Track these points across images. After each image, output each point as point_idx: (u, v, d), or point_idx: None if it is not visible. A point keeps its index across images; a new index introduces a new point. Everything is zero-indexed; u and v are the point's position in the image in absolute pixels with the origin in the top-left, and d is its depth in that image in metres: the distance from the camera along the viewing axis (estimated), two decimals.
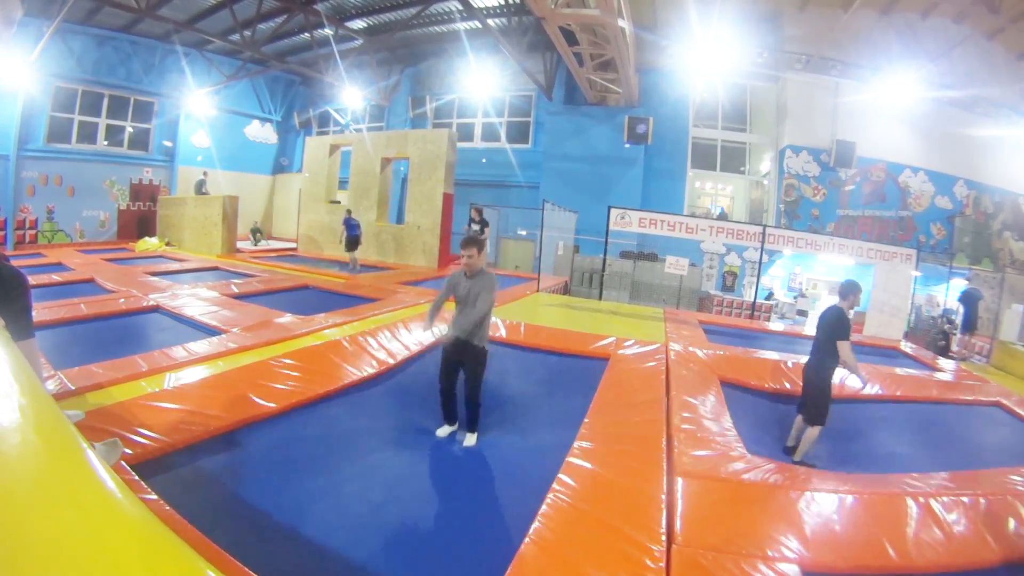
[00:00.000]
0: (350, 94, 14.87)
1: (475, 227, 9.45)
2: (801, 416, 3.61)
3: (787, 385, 4.70)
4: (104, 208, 13.74)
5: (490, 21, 11.55)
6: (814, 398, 3.51)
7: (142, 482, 2.11)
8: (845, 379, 4.10)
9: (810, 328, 9.72)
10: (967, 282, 9.54)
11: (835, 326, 3.48)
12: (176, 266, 9.28)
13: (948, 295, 9.86)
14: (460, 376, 3.36)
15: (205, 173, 13.72)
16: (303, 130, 18.02)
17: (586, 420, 3.31)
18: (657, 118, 13.06)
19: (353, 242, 9.88)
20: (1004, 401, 4.73)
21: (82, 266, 8.48)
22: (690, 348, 5.40)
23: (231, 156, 16.30)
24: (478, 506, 2.43)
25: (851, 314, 3.56)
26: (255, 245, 14.23)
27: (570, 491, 2.42)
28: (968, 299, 8.45)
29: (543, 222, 9.36)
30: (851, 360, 3.47)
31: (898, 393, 4.74)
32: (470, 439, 3.23)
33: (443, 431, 3.34)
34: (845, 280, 3.70)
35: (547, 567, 1.90)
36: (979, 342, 8.47)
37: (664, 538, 2.10)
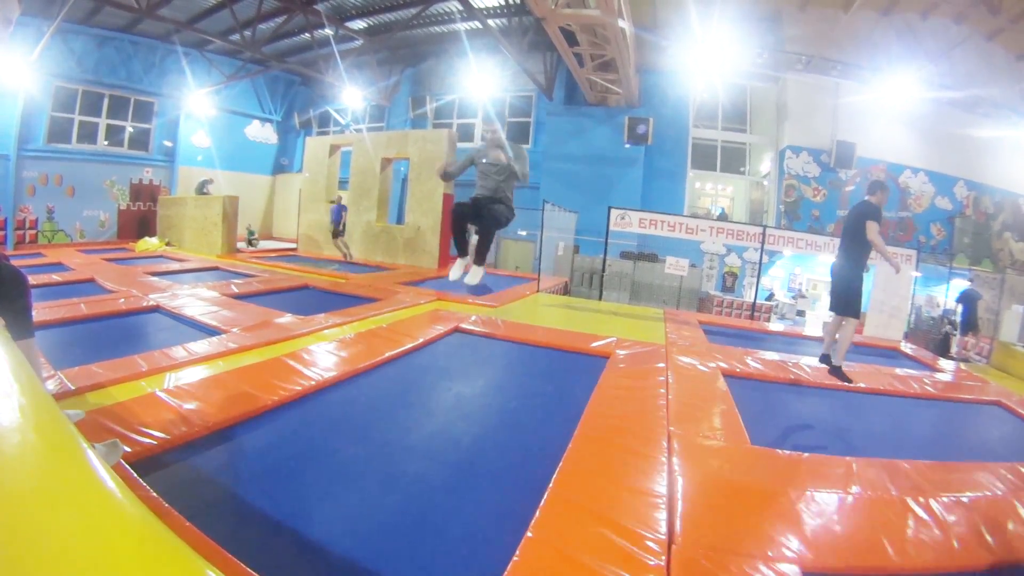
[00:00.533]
0: (350, 94, 14.87)
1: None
2: (834, 314, 3.60)
3: (791, 379, 4.70)
4: (104, 208, 13.75)
5: (490, 21, 11.55)
6: (846, 290, 3.50)
7: (141, 480, 2.11)
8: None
9: (810, 328, 9.72)
10: (969, 283, 9.54)
11: (864, 213, 3.44)
12: (176, 266, 9.28)
13: (948, 295, 9.87)
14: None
15: (211, 179, 13.69)
16: (303, 130, 18.02)
17: (585, 418, 3.32)
18: (657, 118, 13.07)
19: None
20: (1004, 401, 4.73)
21: (82, 266, 8.48)
22: (690, 348, 5.41)
23: (231, 156, 16.30)
24: (477, 502, 2.43)
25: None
26: (252, 246, 14.17)
27: (570, 488, 2.42)
28: (967, 300, 8.46)
29: (543, 222, 9.36)
30: (878, 240, 3.44)
31: (898, 392, 4.73)
32: (473, 275, 3.38)
33: (455, 271, 3.59)
34: (873, 179, 3.76)
35: (547, 563, 1.90)
36: (979, 342, 8.47)
37: (665, 537, 2.10)
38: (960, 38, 11.42)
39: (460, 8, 12.00)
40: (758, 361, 5.20)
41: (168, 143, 14.89)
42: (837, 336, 3.48)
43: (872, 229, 3.37)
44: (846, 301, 3.46)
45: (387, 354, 4.45)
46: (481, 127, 3.85)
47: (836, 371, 3.40)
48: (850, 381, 3.32)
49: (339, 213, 10.24)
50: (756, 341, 6.73)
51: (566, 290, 10.81)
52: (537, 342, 5.34)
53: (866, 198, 3.56)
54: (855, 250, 3.47)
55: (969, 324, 8.28)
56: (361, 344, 4.64)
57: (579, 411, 3.45)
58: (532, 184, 14.08)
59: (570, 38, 10.21)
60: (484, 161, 3.57)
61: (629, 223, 8.51)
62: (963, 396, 4.86)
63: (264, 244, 14.95)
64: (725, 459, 2.94)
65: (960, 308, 8.63)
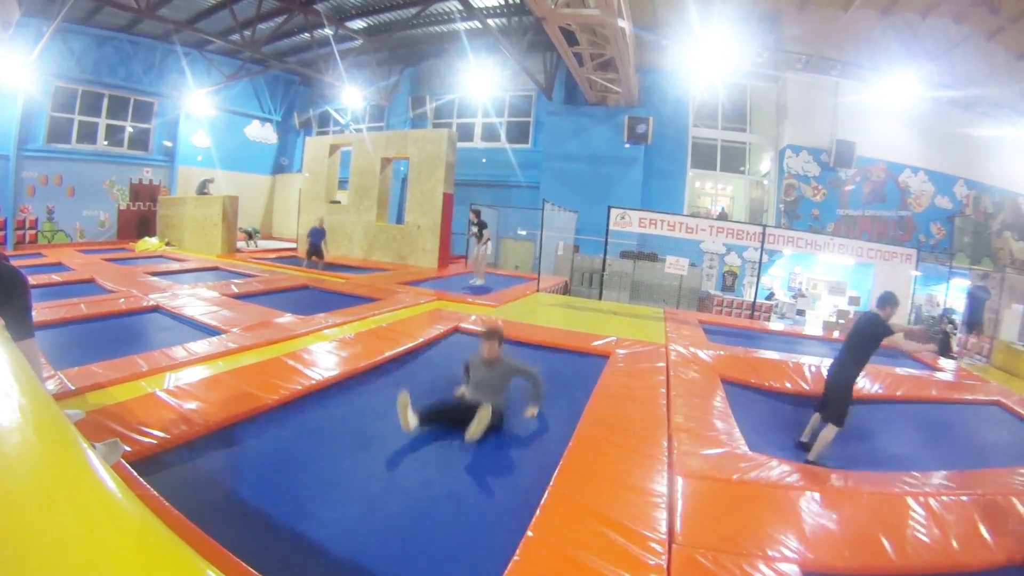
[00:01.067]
0: (350, 94, 14.87)
1: (473, 228, 9.50)
2: (819, 414, 3.61)
3: (788, 384, 4.70)
4: (104, 208, 13.75)
5: (490, 21, 11.55)
6: (836, 398, 3.52)
7: (141, 480, 2.11)
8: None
9: (810, 327, 9.72)
10: (979, 280, 9.43)
11: (876, 329, 3.49)
12: (176, 266, 9.28)
13: (948, 295, 9.85)
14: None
15: (212, 179, 13.67)
16: (303, 130, 18.02)
17: (585, 418, 3.32)
18: (657, 118, 13.06)
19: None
20: (1004, 400, 4.73)
21: (82, 266, 8.48)
22: (690, 347, 5.41)
23: (231, 156, 16.30)
24: (478, 501, 2.44)
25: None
26: (252, 244, 14.06)
27: (570, 488, 2.42)
28: (972, 298, 8.39)
29: (543, 222, 9.36)
30: (906, 344, 3.73)
31: (898, 392, 4.74)
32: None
33: (412, 421, 2.93)
34: (884, 292, 3.72)
35: (548, 563, 1.90)
36: (980, 342, 8.45)
37: (665, 536, 2.10)
38: (960, 37, 11.42)
39: (460, 8, 11.99)
40: (759, 360, 5.20)
41: (168, 143, 14.88)
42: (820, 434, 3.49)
43: (899, 341, 3.61)
44: (835, 407, 3.48)
45: (387, 354, 4.46)
46: (484, 340, 3.30)
47: (810, 463, 3.40)
48: (827, 466, 3.32)
49: (319, 236, 10.11)
50: (756, 340, 6.73)
51: (566, 289, 10.80)
52: (537, 342, 5.34)
53: (875, 310, 3.60)
54: (855, 358, 3.54)
55: (973, 323, 8.21)
56: (361, 344, 4.64)
57: (579, 411, 3.45)
58: (532, 184, 14.14)
59: (570, 38, 10.20)
60: (480, 377, 3.26)
61: (629, 223, 8.50)
62: (963, 396, 4.86)
63: (264, 244, 14.93)
64: (725, 458, 2.94)
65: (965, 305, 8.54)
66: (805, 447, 3.56)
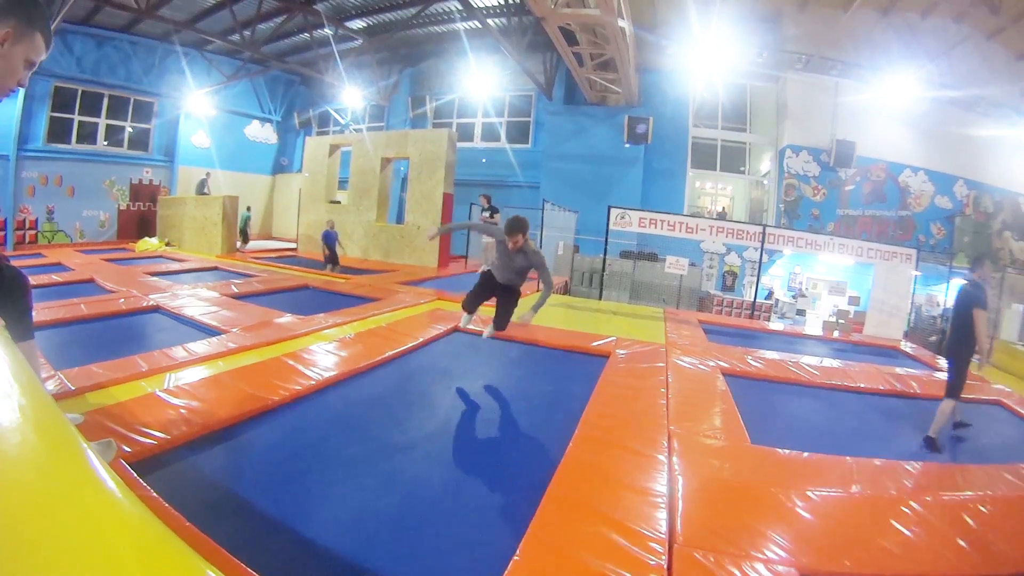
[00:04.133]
0: (350, 94, 14.87)
1: (485, 214, 9.59)
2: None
3: (791, 378, 4.71)
4: (104, 208, 13.75)
5: (490, 21, 11.55)
6: (951, 371, 3.57)
7: (141, 480, 2.11)
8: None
9: (810, 327, 9.73)
10: None
11: (972, 295, 3.54)
12: (176, 266, 9.28)
13: (948, 295, 9.85)
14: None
15: (208, 174, 13.70)
16: (303, 130, 18.02)
17: (585, 418, 3.31)
18: (657, 118, 13.07)
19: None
20: (1004, 400, 4.73)
21: (82, 266, 8.48)
22: (690, 347, 5.41)
23: (231, 156, 16.31)
24: (478, 501, 2.44)
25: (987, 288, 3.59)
26: (242, 241, 13.17)
27: (570, 487, 2.42)
28: None
29: (543, 222, 9.36)
30: (982, 329, 3.51)
31: (899, 391, 4.74)
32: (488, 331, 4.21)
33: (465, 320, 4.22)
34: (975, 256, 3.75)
35: (548, 562, 1.90)
36: None
37: (665, 536, 2.10)
38: (960, 37, 11.42)
39: (460, 8, 12.00)
40: (758, 360, 5.20)
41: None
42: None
43: (980, 319, 3.50)
44: (948, 381, 3.60)
45: (387, 354, 4.46)
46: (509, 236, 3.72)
47: (931, 439, 3.49)
48: (940, 450, 3.39)
49: (333, 239, 9.84)
50: (756, 340, 6.73)
51: (566, 289, 10.80)
52: (537, 342, 5.34)
53: (971, 278, 3.67)
54: (963, 331, 3.61)
55: None
56: (361, 344, 4.64)
57: (579, 411, 3.45)
58: (532, 184, 14.14)
59: (570, 37, 10.20)
60: (507, 256, 3.88)
61: (629, 222, 8.51)
62: (964, 395, 4.85)
63: (265, 244, 14.90)
64: (725, 458, 2.94)
65: None
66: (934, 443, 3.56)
